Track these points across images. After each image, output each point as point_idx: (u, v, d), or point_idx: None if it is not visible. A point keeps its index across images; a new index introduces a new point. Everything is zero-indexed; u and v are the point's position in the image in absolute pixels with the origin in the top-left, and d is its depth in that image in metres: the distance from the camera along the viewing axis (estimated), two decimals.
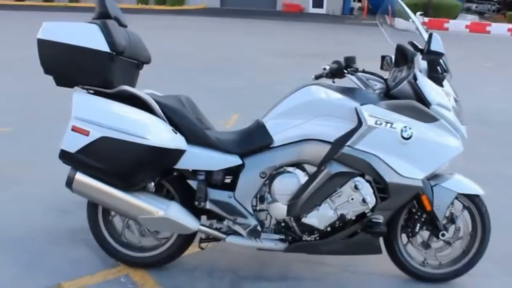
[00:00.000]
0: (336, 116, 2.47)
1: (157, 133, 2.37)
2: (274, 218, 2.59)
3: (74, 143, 2.36)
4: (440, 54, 2.47)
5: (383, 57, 2.89)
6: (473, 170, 3.96)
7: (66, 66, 2.38)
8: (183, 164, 2.50)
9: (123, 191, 2.48)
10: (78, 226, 3.13)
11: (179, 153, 2.46)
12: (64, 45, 2.33)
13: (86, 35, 2.35)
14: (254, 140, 2.55)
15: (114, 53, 2.36)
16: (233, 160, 2.53)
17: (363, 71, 2.65)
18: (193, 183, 2.57)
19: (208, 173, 2.58)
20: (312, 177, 2.50)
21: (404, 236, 2.69)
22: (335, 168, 2.42)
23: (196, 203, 2.55)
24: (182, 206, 2.58)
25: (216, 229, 2.64)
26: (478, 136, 5.32)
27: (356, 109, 2.43)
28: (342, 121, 2.46)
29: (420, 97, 2.48)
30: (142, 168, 2.40)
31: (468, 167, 3.78)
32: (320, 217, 2.50)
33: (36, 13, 15.45)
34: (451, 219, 2.66)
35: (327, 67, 2.59)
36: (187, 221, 2.55)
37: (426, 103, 2.47)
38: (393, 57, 2.81)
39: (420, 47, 2.59)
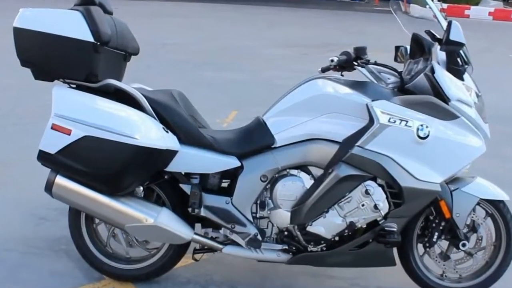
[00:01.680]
0: (345, 113, 2.47)
1: (146, 132, 2.37)
2: (276, 226, 2.59)
3: (54, 143, 2.36)
4: (460, 44, 2.47)
5: (397, 48, 2.89)
6: (497, 173, 3.97)
7: (45, 57, 2.38)
8: (175, 166, 2.50)
9: (109, 197, 2.48)
10: (59, 235, 3.13)
11: (170, 154, 2.46)
12: (43, 34, 2.33)
13: (68, 23, 2.35)
14: (254, 139, 2.55)
15: (98, 43, 2.36)
16: (231, 162, 2.53)
17: (375, 63, 2.65)
18: (186, 188, 2.57)
19: (203, 177, 2.58)
20: (318, 181, 2.50)
21: (420, 246, 2.69)
22: (344, 170, 2.42)
23: (190, 209, 2.54)
24: (174, 213, 2.58)
25: (211, 238, 2.64)
26: (502, 135, 5.32)
27: (367, 105, 2.43)
28: (352, 118, 2.47)
29: (438, 92, 2.48)
30: (129, 170, 2.40)
31: (491, 169, 3.78)
32: (327, 225, 2.50)
33: None
34: (473, 228, 2.66)
35: (335, 59, 2.59)
36: (180, 229, 2.55)
37: (445, 99, 2.47)
38: (408, 47, 2.81)
39: (438, 36, 2.59)
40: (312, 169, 2.58)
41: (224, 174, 2.59)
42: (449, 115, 2.46)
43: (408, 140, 2.41)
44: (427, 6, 2.64)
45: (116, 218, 2.51)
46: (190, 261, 2.75)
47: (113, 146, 2.32)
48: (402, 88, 2.59)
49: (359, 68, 2.61)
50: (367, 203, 2.45)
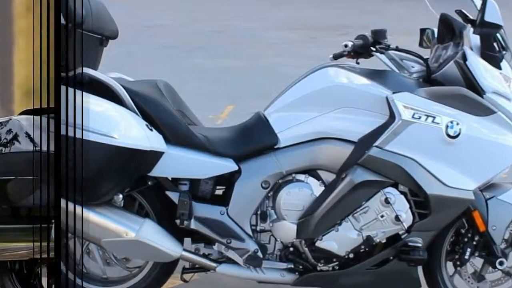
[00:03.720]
0: (361, 107, 2.48)
1: (127, 130, 2.38)
2: (280, 241, 2.60)
3: None
4: (497, 26, 2.47)
5: (422, 31, 2.89)
6: None
7: None
8: (160, 170, 2.50)
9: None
10: None
11: (155, 156, 2.46)
12: None
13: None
14: (254, 139, 2.55)
15: (70, 25, 2.36)
16: (226, 166, 2.53)
17: (396, 49, 2.65)
18: (173, 196, 2.57)
19: (194, 183, 2.59)
20: (329, 188, 2.50)
21: (450, 265, 2.69)
22: (360, 175, 2.43)
23: (178, 221, 2.54)
24: (159, 226, 2.58)
25: (203, 255, 2.64)
26: None
27: (387, 98, 2.44)
28: (369, 114, 2.47)
29: (471, 83, 2.49)
30: (107, 175, 2.41)
31: None
32: (340, 240, 2.50)
33: None
34: None
35: (350, 44, 2.58)
36: (166, 245, 2.55)
37: (479, 91, 2.48)
38: (435, 30, 2.81)
39: (471, 17, 2.59)
40: (322, 173, 2.59)
41: (219, 180, 2.60)
42: (483, 110, 2.46)
43: (436, 139, 2.41)
44: None
45: (91, 231, 2.51)
46: (179, 282, 2.76)
47: (88, 146, 2.32)
48: (429, 78, 2.60)
49: (378, 54, 2.61)
50: (387, 214, 2.45)
